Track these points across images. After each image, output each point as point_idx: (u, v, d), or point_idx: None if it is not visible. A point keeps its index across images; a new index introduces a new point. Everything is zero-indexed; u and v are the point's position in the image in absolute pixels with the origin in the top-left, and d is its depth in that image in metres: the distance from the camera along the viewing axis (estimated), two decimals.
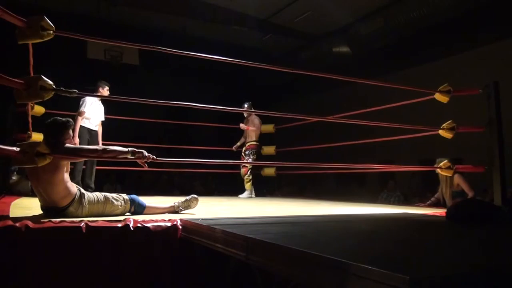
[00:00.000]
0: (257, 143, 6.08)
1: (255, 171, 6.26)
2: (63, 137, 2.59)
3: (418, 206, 4.65)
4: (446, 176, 4.36)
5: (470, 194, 4.41)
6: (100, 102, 5.06)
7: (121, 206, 2.75)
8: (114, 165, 5.69)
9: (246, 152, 6.03)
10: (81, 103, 4.84)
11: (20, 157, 2.26)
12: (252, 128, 6.01)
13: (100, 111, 5.08)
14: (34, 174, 2.50)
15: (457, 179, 4.47)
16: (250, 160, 5.86)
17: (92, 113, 4.93)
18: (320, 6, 7.61)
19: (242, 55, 3.77)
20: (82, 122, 4.80)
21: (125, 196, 2.83)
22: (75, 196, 2.58)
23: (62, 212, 2.53)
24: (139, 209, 2.82)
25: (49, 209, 2.56)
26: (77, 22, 6.39)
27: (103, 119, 5.10)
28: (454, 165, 3.72)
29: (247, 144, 6.09)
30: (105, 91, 4.95)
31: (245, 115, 6.15)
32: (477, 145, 4.20)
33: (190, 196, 3.16)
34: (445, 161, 3.79)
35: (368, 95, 7.05)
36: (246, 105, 5.96)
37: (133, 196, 2.86)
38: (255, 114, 6.02)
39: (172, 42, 4.56)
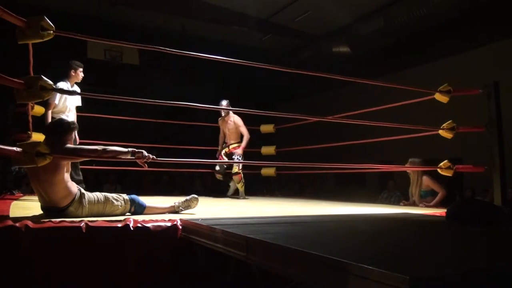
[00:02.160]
0: (240, 144, 5.46)
1: (255, 171, 6.24)
2: (65, 138, 2.60)
3: (403, 204, 4.76)
4: (416, 177, 4.54)
5: (441, 192, 4.44)
6: (75, 86, 4.25)
7: (121, 206, 2.75)
8: (114, 165, 5.68)
9: (233, 157, 5.36)
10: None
11: (20, 157, 2.26)
12: (238, 127, 5.49)
13: (76, 97, 4.32)
14: (34, 174, 2.50)
15: (426, 180, 4.53)
16: (240, 164, 5.32)
17: (68, 104, 4.18)
18: (320, 6, 7.61)
19: (242, 55, 3.76)
20: (56, 115, 4.02)
21: (125, 196, 2.83)
22: (75, 196, 2.58)
23: (62, 212, 2.53)
24: (139, 209, 2.82)
25: (49, 209, 2.56)
26: (77, 22, 6.39)
27: (80, 104, 4.41)
28: (454, 165, 3.72)
29: (231, 147, 5.54)
30: (78, 73, 4.21)
31: (223, 113, 5.56)
32: (478, 145, 4.20)
33: (190, 196, 3.16)
34: (445, 161, 3.79)
35: (368, 95, 7.05)
36: (224, 103, 5.34)
37: (133, 196, 2.87)
38: (233, 112, 5.51)
39: (172, 42, 4.55)
